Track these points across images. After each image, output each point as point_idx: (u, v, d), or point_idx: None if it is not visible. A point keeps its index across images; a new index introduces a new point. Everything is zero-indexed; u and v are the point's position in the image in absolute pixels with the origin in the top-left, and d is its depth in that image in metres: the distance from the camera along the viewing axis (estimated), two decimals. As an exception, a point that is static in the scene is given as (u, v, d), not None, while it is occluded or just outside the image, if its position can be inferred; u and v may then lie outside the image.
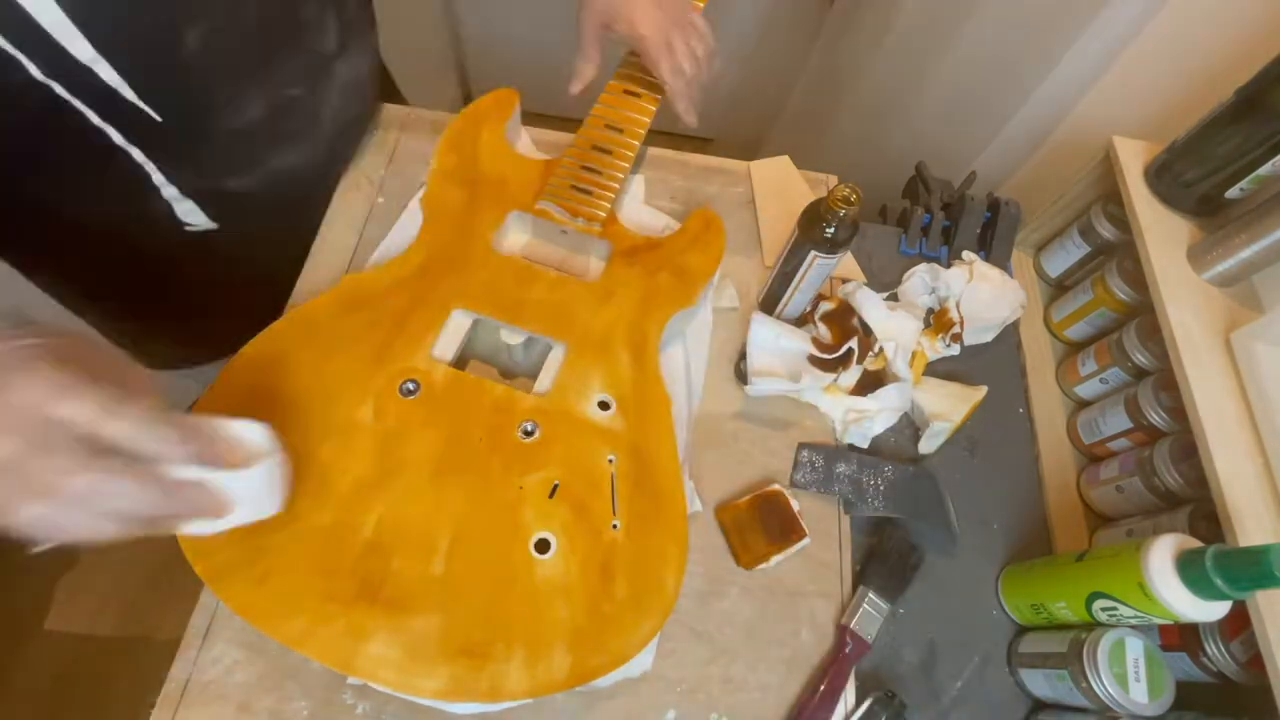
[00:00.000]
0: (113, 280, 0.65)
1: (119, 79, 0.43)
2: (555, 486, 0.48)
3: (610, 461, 0.50)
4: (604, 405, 0.52)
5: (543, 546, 0.46)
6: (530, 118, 0.69)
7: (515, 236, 0.62)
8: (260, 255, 0.61)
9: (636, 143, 0.63)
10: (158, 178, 0.52)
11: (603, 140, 0.62)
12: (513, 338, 0.54)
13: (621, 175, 0.61)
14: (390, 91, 0.77)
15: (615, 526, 0.48)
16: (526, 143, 0.70)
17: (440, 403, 0.50)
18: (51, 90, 0.42)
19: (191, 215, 0.57)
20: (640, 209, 0.69)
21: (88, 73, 0.42)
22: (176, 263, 0.62)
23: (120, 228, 0.57)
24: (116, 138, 0.48)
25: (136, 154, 0.50)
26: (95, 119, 0.46)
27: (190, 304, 0.67)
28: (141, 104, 0.46)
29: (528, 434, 0.50)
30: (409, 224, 0.63)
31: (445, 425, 0.49)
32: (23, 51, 0.40)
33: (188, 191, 0.55)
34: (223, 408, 0.46)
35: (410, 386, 0.50)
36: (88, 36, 0.40)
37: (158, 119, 0.47)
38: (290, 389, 0.48)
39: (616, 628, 0.45)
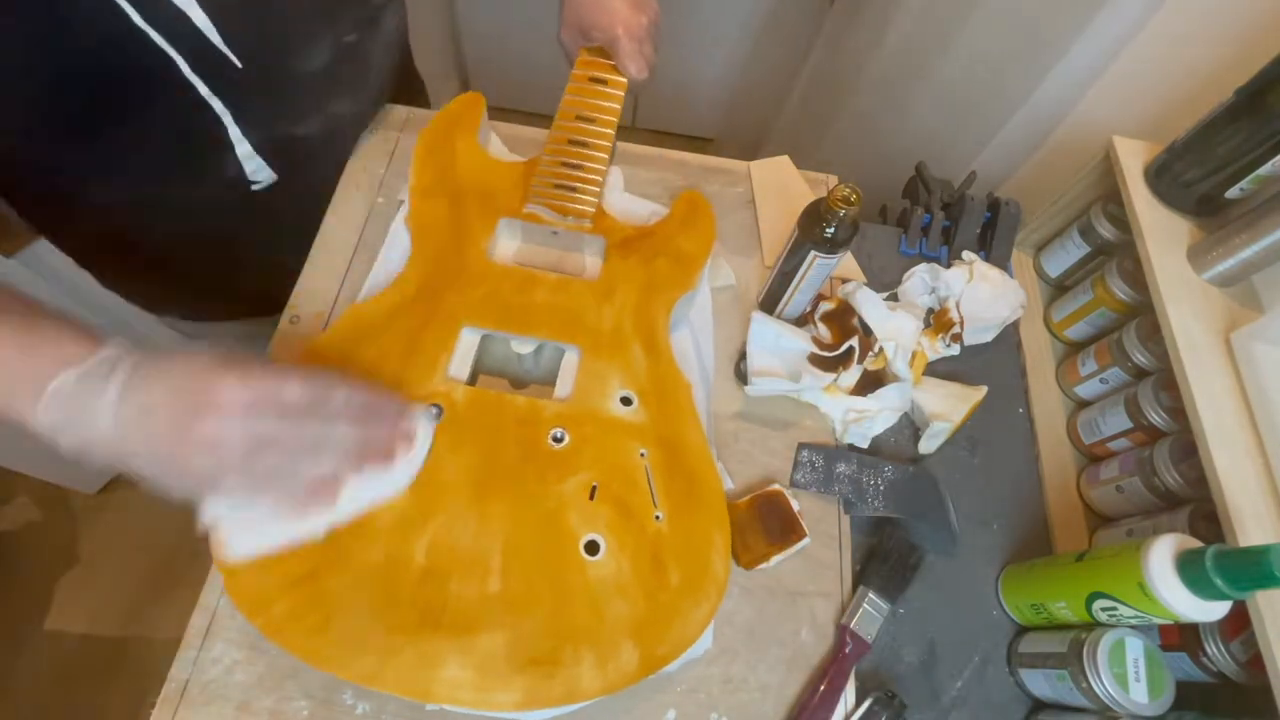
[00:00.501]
0: (174, 249, 0.66)
1: (208, 22, 0.47)
2: (594, 488, 0.49)
3: (642, 455, 0.50)
4: (626, 401, 0.52)
5: (592, 548, 0.47)
6: (532, 119, 0.69)
7: (507, 244, 0.61)
8: (311, 207, 0.65)
9: (611, 131, 0.62)
10: (234, 132, 0.56)
11: (577, 133, 0.62)
12: (524, 347, 0.54)
13: (602, 167, 0.61)
14: (410, 68, 0.80)
15: (658, 518, 0.48)
16: (497, 144, 0.69)
17: (466, 423, 0.50)
18: (149, 39, 0.46)
19: (259, 173, 0.60)
20: (623, 198, 0.68)
21: (181, 18, 0.46)
22: (237, 223, 0.64)
23: (191, 196, 0.60)
24: (202, 88, 0.51)
25: (218, 105, 0.53)
26: (186, 70, 0.49)
27: (245, 261, 0.69)
28: (226, 49, 0.50)
29: (557, 441, 0.50)
30: (395, 246, 0.62)
31: (475, 444, 0.49)
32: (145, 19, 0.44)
33: (258, 145, 0.58)
34: None
35: (434, 411, 0.50)
36: None
37: (239, 65, 0.51)
38: None
39: (676, 615, 0.46)
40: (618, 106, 0.63)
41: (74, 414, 0.36)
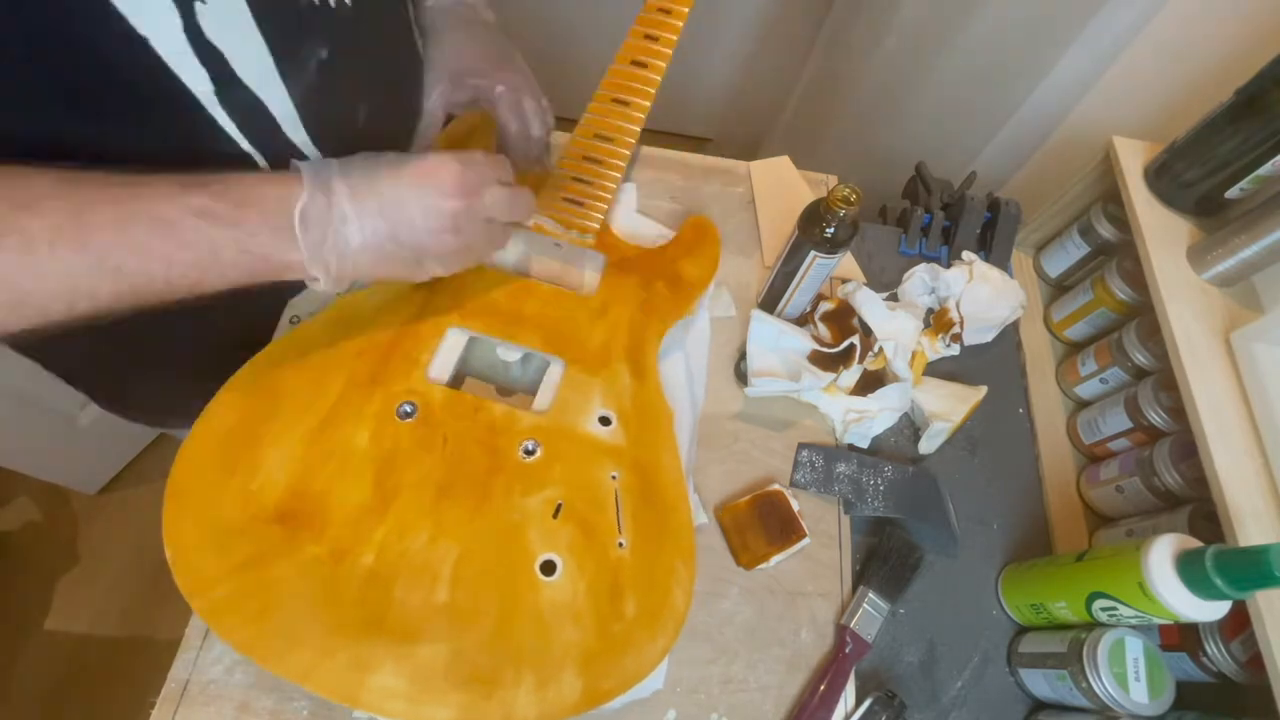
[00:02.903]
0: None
1: (310, 144, 0.46)
2: (559, 506, 0.47)
3: (613, 478, 0.49)
4: (605, 421, 0.51)
5: (549, 568, 0.45)
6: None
7: (509, 251, 0.61)
8: None
9: (627, 152, 0.62)
10: None
11: (593, 150, 0.62)
12: (509, 355, 0.53)
13: (613, 185, 0.61)
14: None
15: (621, 544, 0.47)
16: None
17: (438, 424, 0.49)
18: (252, 160, 0.44)
19: None
20: (634, 218, 0.68)
21: (290, 144, 0.45)
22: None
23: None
24: None
25: None
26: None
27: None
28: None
29: (529, 453, 0.49)
30: None
31: (444, 447, 0.48)
32: (251, 142, 0.43)
33: None
34: (215, 433, 0.46)
35: (407, 409, 0.49)
36: (302, 120, 0.44)
37: None
38: (284, 415, 0.48)
39: (627, 648, 0.43)
40: (638, 129, 0.62)
41: (327, 226, 0.39)
